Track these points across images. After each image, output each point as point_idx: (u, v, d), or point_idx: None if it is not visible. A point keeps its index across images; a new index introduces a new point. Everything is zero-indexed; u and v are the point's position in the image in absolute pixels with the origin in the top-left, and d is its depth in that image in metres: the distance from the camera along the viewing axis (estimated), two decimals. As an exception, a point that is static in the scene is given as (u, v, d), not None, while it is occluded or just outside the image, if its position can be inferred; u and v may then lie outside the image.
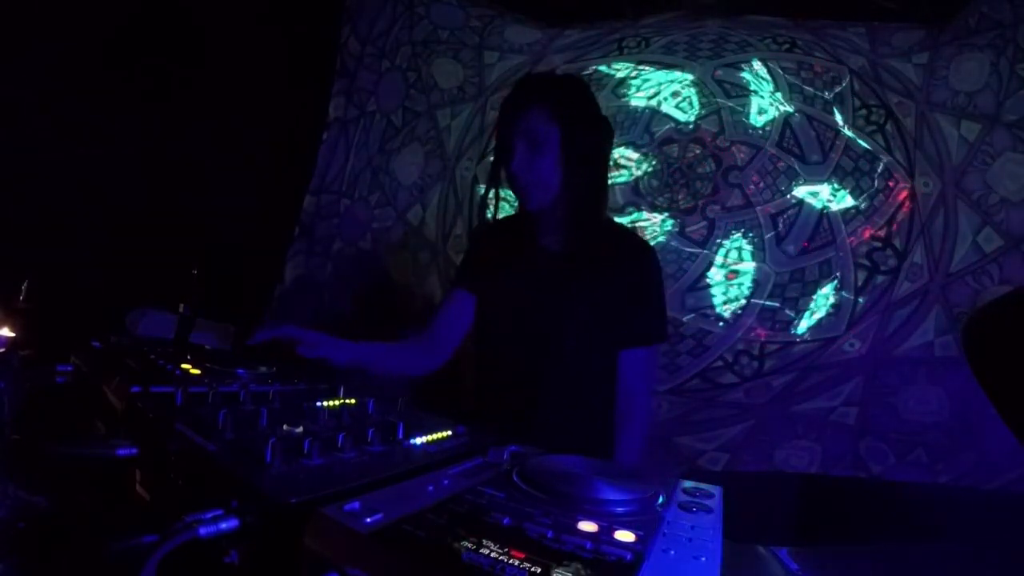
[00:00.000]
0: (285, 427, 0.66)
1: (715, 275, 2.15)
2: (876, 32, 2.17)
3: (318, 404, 0.77)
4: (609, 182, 1.38)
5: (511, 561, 0.39)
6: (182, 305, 1.39)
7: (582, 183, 1.23)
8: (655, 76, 2.29)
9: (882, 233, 2.07)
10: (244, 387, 0.76)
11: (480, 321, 1.37)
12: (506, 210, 1.63)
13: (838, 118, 2.14)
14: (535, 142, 1.19)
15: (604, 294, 1.23)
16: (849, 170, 2.11)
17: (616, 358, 1.25)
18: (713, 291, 2.14)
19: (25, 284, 1.34)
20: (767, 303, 2.11)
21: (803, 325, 2.10)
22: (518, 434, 0.79)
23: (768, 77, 2.20)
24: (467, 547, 0.40)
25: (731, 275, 2.14)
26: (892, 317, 2.03)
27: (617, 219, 1.90)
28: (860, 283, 2.07)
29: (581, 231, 1.24)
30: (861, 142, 2.12)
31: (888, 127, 2.11)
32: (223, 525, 0.45)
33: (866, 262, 2.08)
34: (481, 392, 1.38)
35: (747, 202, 2.15)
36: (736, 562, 0.47)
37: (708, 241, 2.16)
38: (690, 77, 2.25)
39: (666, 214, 2.20)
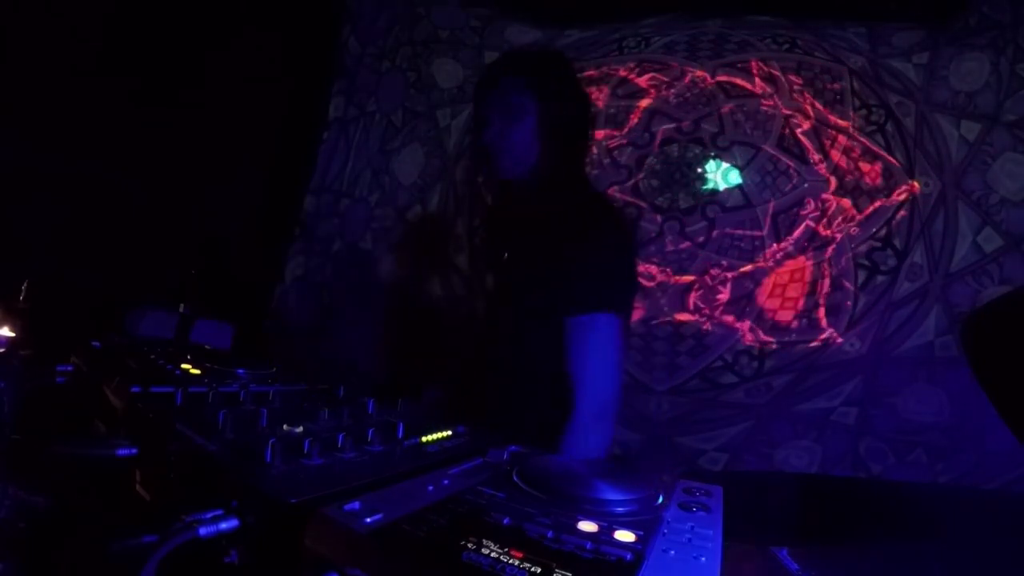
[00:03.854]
0: (285, 427, 0.66)
1: (715, 274, 2.15)
2: (876, 32, 2.16)
3: (318, 404, 0.77)
4: (588, 158, 1.35)
5: (511, 561, 0.38)
6: (182, 305, 1.39)
7: (557, 154, 1.21)
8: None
9: (882, 233, 2.07)
10: (244, 387, 0.76)
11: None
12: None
13: (838, 118, 2.14)
14: (508, 110, 1.19)
15: (543, 263, 1.17)
16: (849, 170, 2.11)
17: (561, 334, 1.15)
18: (713, 291, 2.14)
19: (25, 284, 1.34)
20: (767, 303, 2.11)
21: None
22: (490, 421, 0.78)
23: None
24: (467, 547, 0.40)
25: (731, 274, 2.14)
26: (892, 317, 2.03)
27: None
28: (860, 283, 2.07)
29: (552, 204, 1.21)
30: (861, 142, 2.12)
31: (888, 127, 2.10)
32: (223, 525, 0.45)
33: (866, 262, 2.07)
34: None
35: (747, 202, 2.15)
36: (736, 562, 0.47)
37: (708, 241, 2.16)
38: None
39: (666, 214, 2.20)
